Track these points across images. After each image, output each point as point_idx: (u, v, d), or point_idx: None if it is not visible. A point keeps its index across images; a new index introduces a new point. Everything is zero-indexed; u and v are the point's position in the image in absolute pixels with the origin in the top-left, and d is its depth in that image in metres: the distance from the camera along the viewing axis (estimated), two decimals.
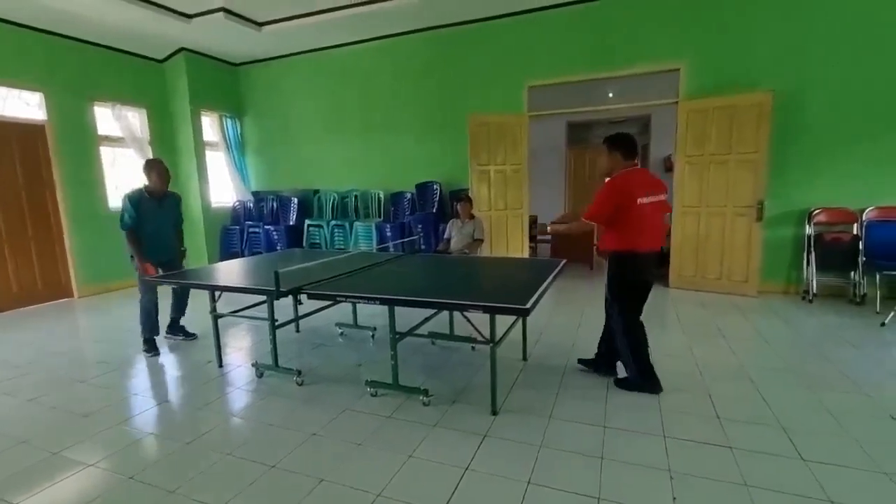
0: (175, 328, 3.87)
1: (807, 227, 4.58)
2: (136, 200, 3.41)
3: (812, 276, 4.51)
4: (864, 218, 4.39)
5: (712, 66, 4.74)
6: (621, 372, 2.80)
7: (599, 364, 2.90)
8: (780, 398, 2.55)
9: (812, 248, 4.52)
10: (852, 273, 4.43)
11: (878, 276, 4.16)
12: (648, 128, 8.54)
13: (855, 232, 4.42)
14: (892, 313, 3.70)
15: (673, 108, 5.01)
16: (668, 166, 7.44)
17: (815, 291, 4.50)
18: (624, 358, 2.69)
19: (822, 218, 4.52)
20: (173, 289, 3.69)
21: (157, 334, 3.62)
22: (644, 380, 2.63)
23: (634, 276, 2.61)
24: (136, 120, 6.21)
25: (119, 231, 3.45)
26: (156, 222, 3.52)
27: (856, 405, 2.46)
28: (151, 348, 3.54)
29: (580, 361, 3.03)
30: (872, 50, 4.22)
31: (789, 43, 4.45)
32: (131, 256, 3.45)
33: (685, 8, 4.74)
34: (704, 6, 4.68)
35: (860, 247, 4.33)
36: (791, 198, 4.64)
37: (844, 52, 4.30)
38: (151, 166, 3.50)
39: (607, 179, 2.63)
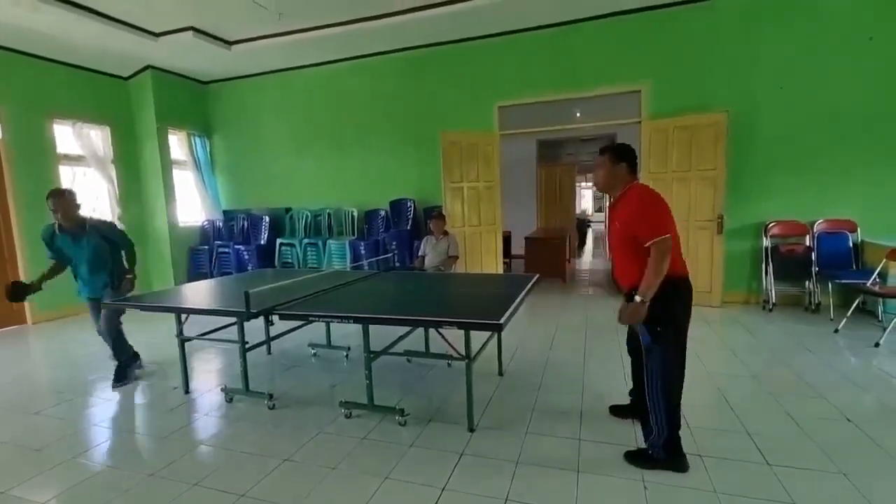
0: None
1: (763, 239, 4.81)
2: (47, 238, 3.19)
3: (770, 286, 4.73)
4: (814, 230, 4.66)
5: (672, 88, 4.99)
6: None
7: (637, 409, 2.34)
8: (745, 405, 2.64)
9: (769, 260, 4.75)
10: (807, 283, 4.67)
11: (830, 286, 4.41)
12: None
13: (807, 243, 4.67)
14: (843, 320, 3.91)
15: (637, 128, 5.23)
16: None
17: (774, 301, 4.72)
18: (657, 418, 2.04)
19: (776, 231, 4.77)
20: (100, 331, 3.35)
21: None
22: (670, 453, 2.04)
23: (686, 308, 2.05)
24: (98, 138, 6.01)
25: None
26: (76, 258, 3.24)
27: (814, 409, 2.57)
28: (123, 377, 3.27)
29: (612, 410, 2.57)
30: (816, 75, 4.54)
31: (742, 68, 4.74)
32: (116, 286, 3.32)
33: (646, 34, 4.99)
34: (664, 33, 4.94)
35: (813, 258, 4.58)
36: (748, 211, 4.88)
37: (792, 77, 4.61)
38: (46, 200, 3.07)
39: (639, 196, 2.05)
